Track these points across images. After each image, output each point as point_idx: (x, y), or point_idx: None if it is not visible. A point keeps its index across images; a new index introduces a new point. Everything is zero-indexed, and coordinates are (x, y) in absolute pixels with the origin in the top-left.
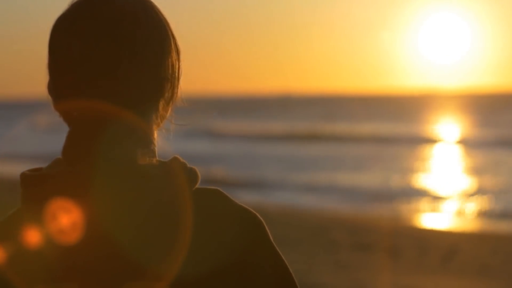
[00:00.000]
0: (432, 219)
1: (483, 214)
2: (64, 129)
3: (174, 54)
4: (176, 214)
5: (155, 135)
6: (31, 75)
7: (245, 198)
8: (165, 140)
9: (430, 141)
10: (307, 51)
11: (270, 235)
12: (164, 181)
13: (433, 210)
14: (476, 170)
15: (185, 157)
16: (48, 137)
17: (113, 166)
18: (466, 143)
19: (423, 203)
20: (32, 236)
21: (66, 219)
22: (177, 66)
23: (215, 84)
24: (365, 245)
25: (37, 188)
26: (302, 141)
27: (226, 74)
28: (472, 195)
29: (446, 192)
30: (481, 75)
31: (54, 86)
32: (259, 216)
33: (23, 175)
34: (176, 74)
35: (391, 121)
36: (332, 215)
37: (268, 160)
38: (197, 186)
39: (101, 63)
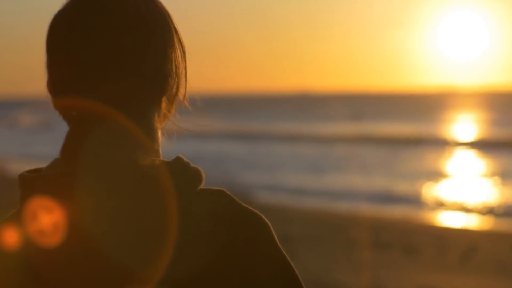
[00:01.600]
0: (451, 218)
1: (502, 212)
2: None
3: (178, 50)
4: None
5: (159, 134)
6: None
7: (264, 199)
8: (177, 140)
9: (449, 140)
10: (325, 49)
11: (276, 237)
12: (161, 181)
13: (452, 208)
14: (495, 170)
15: (203, 158)
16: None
17: (110, 167)
18: (484, 142)
19: (441, 202)
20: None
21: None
22: (182, 63)
23: (232, 82)
24: (384, 244)
25: (33, 189)
26: (322, 142)
27: (243, 72)
28: (490, 193)
29: (465, 191)
30: (499, 73)
31: (53, 84)
32: (264, 218)
33: (21, 176)
34: (181, 71)
35: (410, 121)
36: (351, 214)
37: (287, 160)
38: (202, 186)
39: (100, 60)
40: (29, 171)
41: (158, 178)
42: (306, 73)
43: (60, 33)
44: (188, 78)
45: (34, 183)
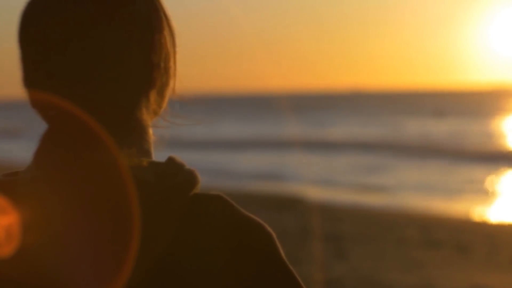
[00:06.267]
0: (503, 216)
1: None
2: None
3: (167, 36)
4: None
5: (150, 132)
6: None
7: (315, 198)
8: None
9: (501, 137)
10: (378, 47)
11: (280, 249)
12: (145, 186)
13: (504, 206)
14: None
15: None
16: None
17: (86, 170)
18: None
19: (494, 200)
20: None
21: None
22: (172, 51)
23: (287, 81)
24: (435, 242)
25: (4, 194)
26: (373, 147)
27: (297, 70)
28: None
29: None
30: None
31: (27, 79)
32: (267, 227)
33: None
34: (171, 60)
35: (463, 119)
36: (402, 212)
37: (337, 162)
38: (197, 191)
39: (77, 51)
40: (5, 175)
41: (142, 181)
42: (359, 71)
43: (33, 22)
44: (243, 77)
45: (5, 187)
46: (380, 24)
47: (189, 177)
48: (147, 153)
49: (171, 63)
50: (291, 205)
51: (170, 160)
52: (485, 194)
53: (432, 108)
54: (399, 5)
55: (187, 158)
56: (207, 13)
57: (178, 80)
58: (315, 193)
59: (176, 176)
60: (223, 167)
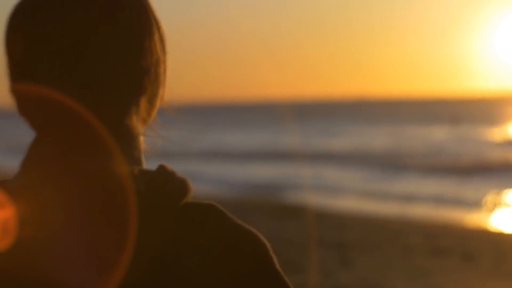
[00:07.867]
0: (510, 224)
1: None
2: None
3: (157, 42)
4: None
5: (141, 140)
6: None
7: (320, 207)
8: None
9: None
10: (384, 53)
11: (274, 259)
12: (139, 194)
13: (511, 215)
14: None
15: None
16: None
17: (73, 178)
18: None
19: (500, 208)
20: None
21: None
22: (162, 57)
23: (292, 88)
24: (441, 250)
25: None
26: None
27: (302, 77)
28: None
29: None
30: None
31: (15, 86)
32: (261, 237)
33: None
34: (160, 66)
35: (479, 126)
36: (408, 220)
37: (343, 170)
38: (189, 200)
39: (68, 53)
40: None
41: (131, 190)
42: (365, 78)
43: (21, 27)
44: (247, 84)
45: None
46: (386, 30)
47: (180, 186)
48: (138, 161)
49: (161, 70)
50: (296, 213)
51: (161, 168)
52: (491, 203)
53: (449, 116)
54: (406, 11)
55: (191, 168)
56: (210, 20)
57: (175, 87)
58: (320, 201)
59: (166, 184)
60: (228, 177)
